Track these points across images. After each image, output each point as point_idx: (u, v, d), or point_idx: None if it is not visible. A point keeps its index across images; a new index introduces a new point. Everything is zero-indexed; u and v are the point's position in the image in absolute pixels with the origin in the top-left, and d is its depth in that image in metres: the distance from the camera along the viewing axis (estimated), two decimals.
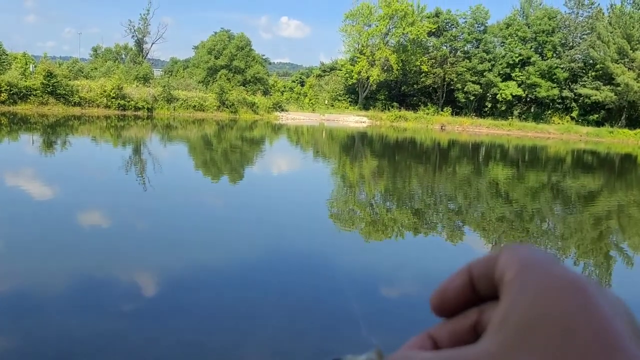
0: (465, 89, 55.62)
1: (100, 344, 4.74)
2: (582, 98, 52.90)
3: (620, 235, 12.11)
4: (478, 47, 56.13)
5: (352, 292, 6.61)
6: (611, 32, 50.23)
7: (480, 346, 0.29)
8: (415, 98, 59.04)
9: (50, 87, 35.15)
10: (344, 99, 58.81)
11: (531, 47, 54.55)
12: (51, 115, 33.05)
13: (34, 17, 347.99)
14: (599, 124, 51.89)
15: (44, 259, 6.93)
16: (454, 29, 57.73)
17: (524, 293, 0.29)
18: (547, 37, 54.26)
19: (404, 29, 54.10)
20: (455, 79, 56.16)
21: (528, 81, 53.42)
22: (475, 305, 0.35)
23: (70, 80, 37.95)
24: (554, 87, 53.40)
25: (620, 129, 48.97)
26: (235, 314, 5.62)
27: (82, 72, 51.15)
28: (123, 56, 65.34)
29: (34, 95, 34.87)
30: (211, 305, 5.83)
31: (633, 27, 49.29)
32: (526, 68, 53.93)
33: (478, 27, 57.20)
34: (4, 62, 45.39)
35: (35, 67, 37.67)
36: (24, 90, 34.48)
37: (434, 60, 57.01)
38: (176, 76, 58.28)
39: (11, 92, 33.82)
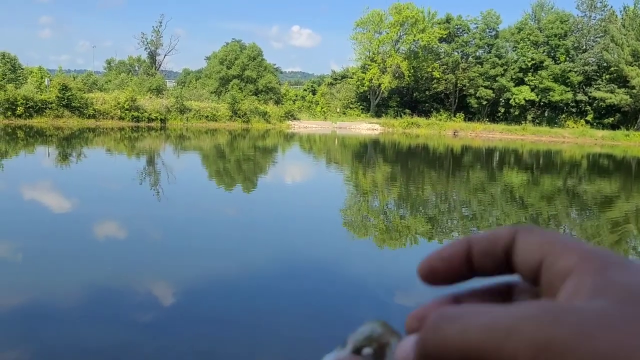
0: (477, 94, 55.32)
1: (114, 353, 4.73)
2: (596, 101, 52.34)
3: (639, 240, 11.89)
4: (490, 52, 55.84)
5: (366, 300, 6.55)
6: (625, 35, 49.74)
7: (588, 302, 0.25)
8: (427, 104, 58.85)
9: (65, 100, 35.66)
10: (355, 107, 58.79)
11: (544, 51, 54.17)
12: (66, 127, 33.46)
13: (49, 31, 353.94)
14: (614, 127, 51.26)
15: (59, 269, 6.97)
16: (465, 35, 57.53)
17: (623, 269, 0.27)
18: (560, 40, 53.86)
19: (414, 36, 54.07)
20: (468, 85, 55.90)
21: (541, 85, 53.01)
22: (464, 279, 0.34)
23: (84, 93, 38.49)
24: (568, 91, 52.91)
25: (636, 132, 48.31)
26: (249, 322, 5.59)
27: (96, 85, 51.86)
28: (136, 68, 66.08)
29: (49, 108, 35.40)
30: (225, 314, 5.80)
31: None
32: (539, 72, 53.52)
33: (489, 32, 56.96)
34: (20, 76, 46.19)
35: (50, 80, 38.28)
36: (39, 104, 35.03)
37: (445, 66, 56.84)
38: (189, 87, 58.80)
39: (27, 106, 34.37)
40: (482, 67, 55.15)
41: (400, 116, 54.70)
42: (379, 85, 55.57)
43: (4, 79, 36.74)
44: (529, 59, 53.63)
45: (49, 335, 4.99)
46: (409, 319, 0.34)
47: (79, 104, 36.33)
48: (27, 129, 30.96)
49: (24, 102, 34.17)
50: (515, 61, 54.43)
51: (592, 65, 53.40)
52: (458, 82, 56.54)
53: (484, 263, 0.33)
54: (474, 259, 0.33)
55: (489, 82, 54.67)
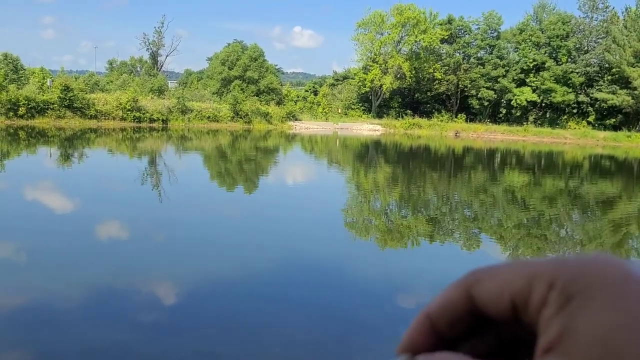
0: (479, 95, 55.26)
1: (117, 354, 4.74)
2: (598, 102, 52.25)
3: None
4: (492, 53, 55.78)
5: (368, 301, 6.55)
6: (627, 36, 49.67)
7: None
8: (428, 105, 58.81)
9: (67, 101, 35.70)
10: (357, 108, 58.77)
11: (545, 52, 54.10)
12: (68, 128, 33.51)
13: (51, 32, 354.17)
14: (616, 128, 51.19)
15: (61, 270, 6.98)
16: (467, 36, 57.48)
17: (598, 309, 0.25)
18: (562, 41, 53.78)
19: (416, 37, 54.04)
20: (469, 86, 55.83)
21: (543, 86, 52.94)
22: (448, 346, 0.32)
23: (86, 93, 38.53)
24: (570, 92, 52.82)
25: (638, 133, 48.22)
26: (251, 324, 5.60)
27: (98, 86, 51.89)
28: (138, 69, 66.12)
29: (51, 109, 35.44)
30: (227, 316, 5.81)
31: None
32: (541, 73, 53.45)
33: (491, 33, 56.91)
34: (22, 77, 46.24)
35: (52, 81, 38.31)
36: (41, 105, 35.06)
37: (447, 67, 56.77)
38: (190, 88, 58.83)
39: (29, 107, 34.41)
40: (483, 68, 55.09)
41: (402, 117, 54.64)
42: (381, 86, 55.55)
43: (6, 79, 36.73)
44: (531, 60, 53.57)
45: (53, 335, 5.00)
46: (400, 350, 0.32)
47: (80, 105, 36.37)
48: (29, 130, 31.01)
49: (26, 102, 34.21)
50: (517, 62, 54.38)
51: (593, 67, 53.30)
52: (460, 83, 56.48)
53: (457, 332, 0.32)
54: (444, 334, 0.32)
55: (490, 83, 54.61)
